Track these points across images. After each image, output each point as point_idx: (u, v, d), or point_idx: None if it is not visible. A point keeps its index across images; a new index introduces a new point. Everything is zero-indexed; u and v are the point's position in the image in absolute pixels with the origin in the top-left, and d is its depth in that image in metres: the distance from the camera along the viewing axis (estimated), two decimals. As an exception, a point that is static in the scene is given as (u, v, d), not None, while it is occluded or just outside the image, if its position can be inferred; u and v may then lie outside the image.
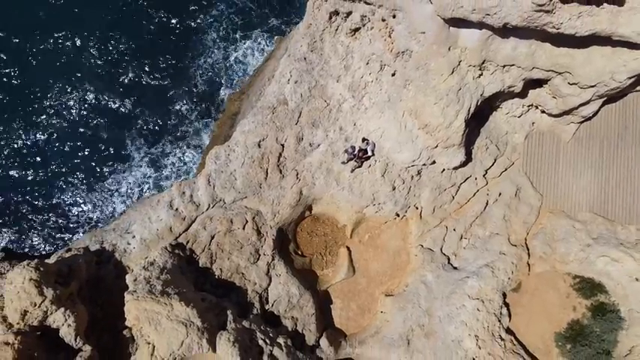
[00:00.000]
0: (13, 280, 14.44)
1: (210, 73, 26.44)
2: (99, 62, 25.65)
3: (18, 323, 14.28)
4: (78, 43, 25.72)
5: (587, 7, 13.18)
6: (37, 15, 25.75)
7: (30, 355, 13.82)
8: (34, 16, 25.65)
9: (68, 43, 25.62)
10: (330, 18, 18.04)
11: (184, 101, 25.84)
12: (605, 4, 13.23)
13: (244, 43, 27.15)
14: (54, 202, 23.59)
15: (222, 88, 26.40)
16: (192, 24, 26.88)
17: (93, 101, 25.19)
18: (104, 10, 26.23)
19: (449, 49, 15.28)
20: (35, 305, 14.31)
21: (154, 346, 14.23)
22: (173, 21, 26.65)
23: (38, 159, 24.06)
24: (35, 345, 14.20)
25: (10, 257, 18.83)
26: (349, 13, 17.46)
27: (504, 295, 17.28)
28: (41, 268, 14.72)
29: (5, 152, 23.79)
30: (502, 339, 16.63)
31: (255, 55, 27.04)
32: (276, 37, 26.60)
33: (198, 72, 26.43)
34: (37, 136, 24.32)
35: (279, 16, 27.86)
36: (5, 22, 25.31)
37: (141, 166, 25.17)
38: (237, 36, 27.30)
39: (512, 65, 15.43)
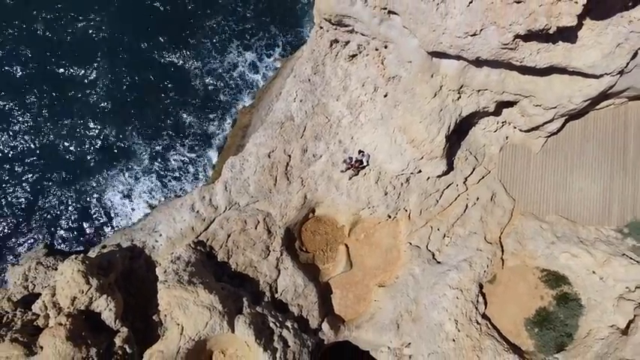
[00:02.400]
0: (63, 272, 16.66)
1: (221, 85, 28.09)
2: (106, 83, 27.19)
3: (68, 307, 16.50)
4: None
5: (544, 44, 15.40)
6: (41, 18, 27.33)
7: (78, 334, 15.95)
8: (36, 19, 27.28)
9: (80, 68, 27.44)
10: (331, 45, 19.99)
11: (199, 114, 27.57)
12: (560, 42, 15.48)
13: (248, 55, 28.75)
14: (81, 204, 25.52)
15: (233, 101, 28.24)
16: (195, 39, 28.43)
17: (104, 109, 26.73)
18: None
19: (432, 76, 17.43)
20: (83, 292, 16.51)
21: (182, 327, 16.41)
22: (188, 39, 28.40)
23: (59, 164, 25.75)
24: (82, 326, 16.34)
25: (52, 253, 20.91)
26: (347, 42, 19.51)
27: (481, 286, 19.38)
28: (86, 262, 16.93)
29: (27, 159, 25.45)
30: (478, 323, 18.78)
31: (260, 67, 28.76)
32: (279, 56, 28.58)
33: (208, 82, 27.95)
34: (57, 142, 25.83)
35: (279, 28, 29.46)
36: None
37: (154, 172, 26.76)
38: (240, 48, 28.89)
39: (486, 90, 17.60)
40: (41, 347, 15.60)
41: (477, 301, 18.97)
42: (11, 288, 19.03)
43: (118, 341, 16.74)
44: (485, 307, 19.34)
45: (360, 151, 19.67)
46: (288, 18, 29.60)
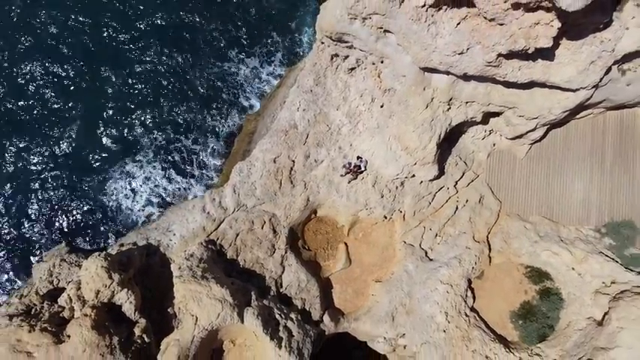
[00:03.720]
0: (88, 267, 17.97)
1: (224, 89, 29.19)
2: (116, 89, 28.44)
3: (92, 300, 17.81)
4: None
5: (525, 61, 16.79)
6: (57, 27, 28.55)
7: (102, 324, 17.24)
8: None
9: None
10: (332, 59, 21.25)
11: (204, 118, 28.66)
12: (539, 59, 16.85)
13: (250, 61, 29.90)
14: (96, 204, 26.76)
15: (237, 106, 29.42)
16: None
17: (114, 116, 27.88)
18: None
19: (424, 89, 18.79)
20: (106, 286, 17.83)
21: (197, 318, 17.72)
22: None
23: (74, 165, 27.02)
24: (105, 317, 17.63)
25: (74, 251, 22.20)
26: (347, 57, 20.78)
27: (469, 281, 20.66)
28: (108, 258, 18.25)
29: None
30: (467, 315, 20.08)
31: (263, 74, 29.87)
32: (286, 64, 29.85)
33: (212, 86, 29.02)
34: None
35: (280, 35, 30.42)
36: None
37: (163, 171, 27.86)
38: (241, 55, 29.89)
39: (473, 102, 18.97)
40: (68, 336, 16.88)
41: (466, 295, 20.27)
42: (37, 283, 20.32)
43: (137, 331, 18.05)
44: (474, 301, 20.60)
45: (358, 157, 20.95)
46: (287, 26, 30.66)
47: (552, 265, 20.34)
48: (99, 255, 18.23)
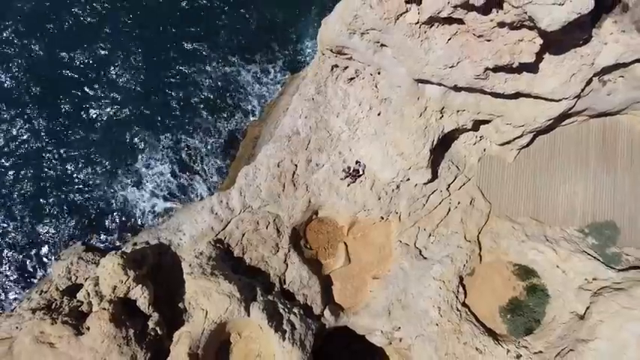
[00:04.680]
0: (105, 265, 19.08)
1: (228, 95, 30.37)
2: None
3: (110, 295, 18.92)
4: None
5: (511, 74, 17.93)
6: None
7: (119, 317, 18.34)
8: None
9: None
10: (332, 69, 22.34)
11: (214, 125, 29.98)
12: (524, 72, 17.98)
13: (252, 68, 31.00)
14: (109, 205, 27.93)
15: (241, 112, 30.55)
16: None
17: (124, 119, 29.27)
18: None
19: (418, 99, 19.90)
20: (122, 282, 18.94)
21: (206, 312, 18.83)
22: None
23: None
24: (121, 311, 18.72)
25: (89, 250, 23.33)
26: (346, 67, 21.89)
27: (461, 278, 21.62)
28: (124, 256, 19.38)
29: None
30: (458, 310, 21.12)
31: (265, 81, 30.98)
32: (288, 73, 31.01)
33: (216, 93, 30.25)
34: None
35: (281, 44, 31.55)
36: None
37: (171, 173, 29.04)
38: (246, 63, 31.13)
39: (464, 110, 20.09)
40: (88, 328, 18.01)
41: (458, 291, 21.31)
42: (56, 279, 21.45)
43: (150, 324, 19.20)
44: (465, 297, 21.61)
45: (357, 162, 22.06)
46: (289, 37, 31.79)
47: (538, 263, 21.35)
48: (115, 253, 19.37)
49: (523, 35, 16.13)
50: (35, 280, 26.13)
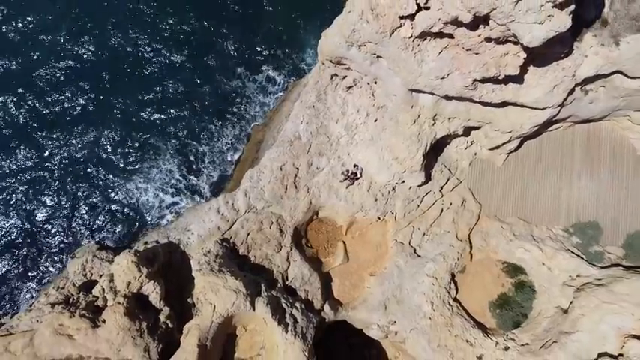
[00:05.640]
0: (120, 262, 20.13)
1: (239, 103, 31.59)
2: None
3: (124, 290, 19.97)
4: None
5: (498, 85, 19.04)
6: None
7: (133, 311, 19.37)
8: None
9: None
10: (331, 78, 23.29)
11: (220, 129, 31.11)
12: (510, 83, 19.08)
13: (258, 77, 32.17)
14: (120, 206, 29.04)
15: (246, 117, 31.68)
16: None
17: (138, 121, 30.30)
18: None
19: (412, 106, 20.97)
20: (135, 278, 19.97)
21: (214, 305, 19.85)
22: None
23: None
24: (135, 305, 19.77)
25: (103, 248, 24.37)
26: (345, 76, 22.88)
27: (453, 275, 22.64)
28: (137, 254, 20.48)
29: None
30: (450, 305, 22.14)
31: (269, 89, 32.13)
32: (290, 80, 32.13)
33: (224, 99, 31.42)
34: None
35: (285, 54, 32.80)
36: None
37: (184, 178, 30.29)
38: (250, 71, 32.25)
39: (455, 118, 21.18)
40: (104, 321, 19.05)
41: (450, 287, 22.36)
42: (72, 276, 22.49)
43: (162, 317, 20.23)
44: (457, 292, 22.65)
45: (355, 165, 23.07)
46: (291, 46, 32.95)
47: (526, 261, 22.40)
48: (129, 251, 20.45)
49: (508, 49, 17.22)
50: (49, 277, 27.19)
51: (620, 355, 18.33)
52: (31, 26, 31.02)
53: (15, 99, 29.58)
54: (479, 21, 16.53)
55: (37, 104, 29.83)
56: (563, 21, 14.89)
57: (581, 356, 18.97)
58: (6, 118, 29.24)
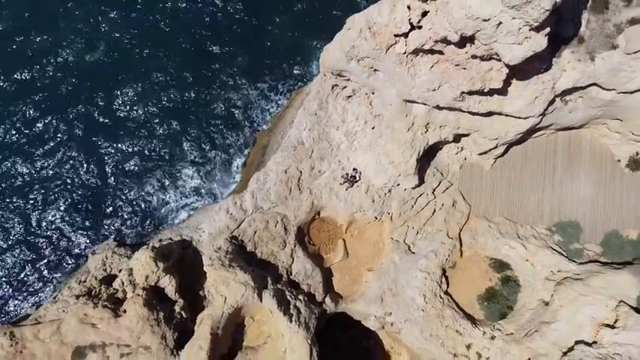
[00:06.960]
0: (139, 258, 21.64)
1: (246, 112, 33.15)
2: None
3: (142, 283, 21.49)
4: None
5: (484, 96, 20.58)
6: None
7: (151, 302, 20.86)
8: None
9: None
10: (332, 88, 24.81)
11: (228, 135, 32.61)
12: (495, 95, 20.62)
13: (263, 85, 33.67)
14: (135, 206, 30.50)
15: (252, 123, 33.12)
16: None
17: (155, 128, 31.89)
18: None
19: (406, 115, 22.49)
20: (153, 272, 21.51)
21: (225, 297, 21.31)
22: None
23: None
24: (152, 297, 21.26)
25: (121, 245, 25.88)
26: (345, 87, 24.37)
27: (444, 270, 24.04)
28: (154, 250, 22.00)
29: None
30: (441, 298, 23.55)
31: (274, 97, 33.59)
32: (294, 91, 33.58)
33: (230, 107, 32.89)
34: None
35: (290, 65, 34.23)
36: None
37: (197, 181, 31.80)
38: (256, 81, 33.58)
39: (446, 126, 22.68)
40: (124, 311, 20.55)
41: (441, 282, 23.78)
42: (93, 270, 24.03)
43: (177, 309, 21.73)
44: (447, 286, 24.05)
45: (354, 169, 24.54)
46: (295, 58, 34.32)
47: (511, 257, 23.83)
48: (147, 248, 21.97)
49: (492, 65, 18.77)
50: (68, 272, 28.61)
51: (595, 342, 19.78)
52: (44, 38, 32.61)
53: (41, 110, 31.26)
54: (466, 40, 18.07)
55: (62, 116, 31.46)
56: (539, 42, 16.42)
57: (560, 344, 20.40)
58: (45, 125, 30.93)
